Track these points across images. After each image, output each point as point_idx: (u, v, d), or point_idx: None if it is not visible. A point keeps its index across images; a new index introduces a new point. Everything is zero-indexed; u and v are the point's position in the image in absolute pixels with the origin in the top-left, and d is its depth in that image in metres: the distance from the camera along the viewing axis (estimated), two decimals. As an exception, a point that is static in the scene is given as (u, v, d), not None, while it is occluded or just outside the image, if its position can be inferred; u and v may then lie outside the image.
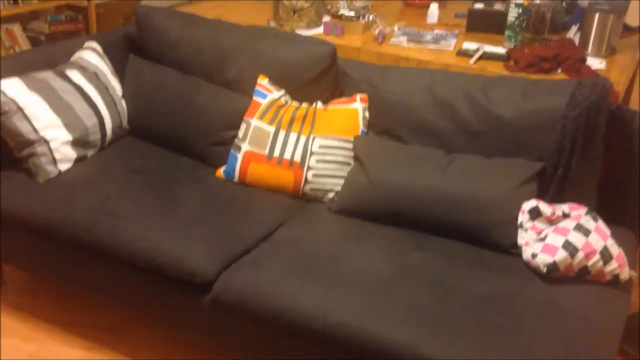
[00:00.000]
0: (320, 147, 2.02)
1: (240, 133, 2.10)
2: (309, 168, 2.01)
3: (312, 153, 2.02)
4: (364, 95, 2.10)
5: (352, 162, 2.03)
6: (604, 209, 1.83)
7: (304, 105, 2.13)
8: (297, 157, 2.02)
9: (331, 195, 2.03)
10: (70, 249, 1.90)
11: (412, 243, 1.80)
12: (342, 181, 2.02)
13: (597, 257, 1.62)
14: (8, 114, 1.97)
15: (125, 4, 4.42)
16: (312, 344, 1.61)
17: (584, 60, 2.35)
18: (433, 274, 1.67)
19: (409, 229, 1.86)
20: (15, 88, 2.01)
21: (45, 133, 2.02)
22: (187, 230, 1.81)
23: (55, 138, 2.03)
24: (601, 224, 1.68)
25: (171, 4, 4.17)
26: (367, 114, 2.10)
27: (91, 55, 2.29)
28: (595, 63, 2.40)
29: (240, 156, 2.07)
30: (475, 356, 1.42)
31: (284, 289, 1.62)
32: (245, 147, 2.07)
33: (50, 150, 2.02)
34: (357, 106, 2.09)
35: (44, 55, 2.28)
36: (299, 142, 2.03)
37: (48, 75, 2.12)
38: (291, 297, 1.60)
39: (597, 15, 2.45)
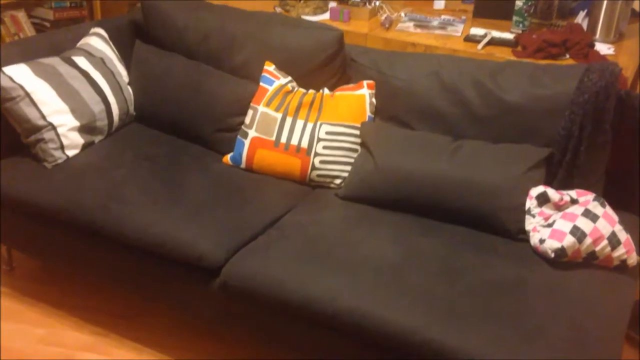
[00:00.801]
0: (327, 133, 2.02)
1: (247, 119, 2.10)
2: (315, 154, 2.01)
3: (319, 139, 2.02)
4: (371, 82, 2.09)
5: (359, 148, 2.03)
6: (612, 195, 1.83)
7: (311, 91, 2.12)
8: (304, 144, 2.02)
9: (338, 181, 2.04)
10: (79, 234, 1.91)
11: (419, 229, 1.81)
12: (349, 167, 2.02)
13: (604, 242, 1.62)
14: (15, 99, 1.98)
15: (130, -10, 4.40)
16: (320, 328, 1.62)
17: (592, 45, 2.33)
18: (441, 260, 1.67)
19: (416, 215, 1.86)
20: (22, 74, 2.01)
21: (52, 119, 2.02)
22: (194, 216, 1.81)
23: (62, 124, 2.04)
24: (609, 209, 1.68)
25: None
26: (374, 100, 2.09)
27: (97, 41, 2.29)
28: (603, 48, 2.38)
29: (247, 142, 2.07)
30: (483, 341, 1.43)
31: (291, 274, 1.63)
32: (252, 133, 2.07)
33: (57, 136, 2.02)
34: (364, 92, 2.08)
35: (50, 41, 2.28)
36: (305, 129, 2.03)
37: (55, 61, 2.12)
38: (299, 282, 1.60)
39: (605, 1, 2.43)
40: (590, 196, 1.71)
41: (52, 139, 2.02)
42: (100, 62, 2.22)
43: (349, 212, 1.90)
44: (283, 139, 2.04)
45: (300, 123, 2.04)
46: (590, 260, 1.65)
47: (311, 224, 1.82)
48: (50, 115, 2.02)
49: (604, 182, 1.88)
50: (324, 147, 2.02)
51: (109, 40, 2.33)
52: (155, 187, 1.93)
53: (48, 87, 2.03)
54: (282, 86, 2.12)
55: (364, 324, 1.52)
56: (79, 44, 2.28)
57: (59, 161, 2.03)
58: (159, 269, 1.82)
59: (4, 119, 2.04)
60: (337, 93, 2.10)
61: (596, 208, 1.66)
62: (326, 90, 2.12)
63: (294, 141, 2.03)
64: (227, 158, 2.13)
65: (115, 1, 4.31)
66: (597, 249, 1.62)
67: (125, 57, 2.35)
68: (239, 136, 2.11)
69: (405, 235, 1.77)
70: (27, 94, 1.99)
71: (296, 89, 2.14)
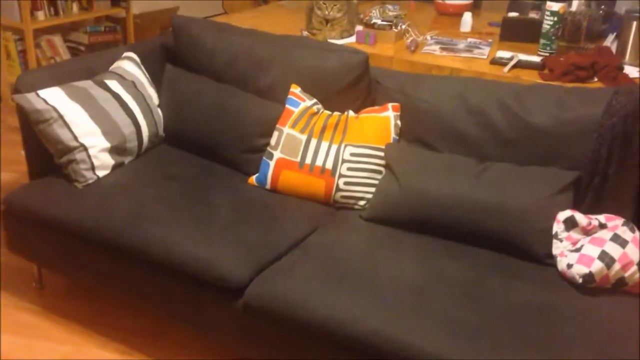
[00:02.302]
0: (352, 154, 2.03)
1: (273, 141, 2.12)
2: (340, 176, 2.02)
3: (343, 161, 2.03)
4: (396, 104, 2.10)
5: (383, 170, 2.04)
6: (642, 220, 1.79)
7: (336, 113, 2.14)
8: (329, 165, 2.03)
9: (362, 203, 2.04)
10: (107, 253, 1.95)
11: (443, 251, 1.79)
12: (373, 189, 2.02)
13: (634, 268, 1.59)
14: (49, 121, 2.04)
15: (162, 14, 4.51)
16: (342, 350, 1.61)
17: (621, 68, 2.30)
18: (465, 283, 1.66)
19: (440, 238, 1.85)
20: (56, 96, 2.07)
21: (84, 140, 2.07)
22: (220, 236, 1.83)
23: (94, 145, 2.09)
24: (638, 234, 1.65)
25: (206, 15, 4.24)
26: (398, 122, 2.10)
27: (129, 64, 2.35)
28: (633, 71, 2.35)
29: (272, 164, 2.09)
30: (508, 367, 1.40)
31: (314, 295, 1.63)
32: (277, 154, 2.09)
33: (89, 157, 2.07)
34: (389, 114, 2.09)
35: (84, 65, 2.35)
36: (330, 150, 2.04)
37: (87, 84, 2.18)
38: (322, 303, 1.60)
39: (634, 24, 2.41)
40: (619, 221, 1.68)
41: (83, 159, 2.07)
42: (131, 85, 2.28)
43: (373, 234, 1.90)
44: (308, 160, 2.05)
45: (325, 145, 2.06)
46: (620, 286, 1.61)
47: (335, 245, 1.82)
48: (82, 137, 2.07)
49: (634, 206, 1.84)
50: (349, 169, 2.02)
51: (140, 64, 2.39)
52: (182, 207, 1.96)
53: (81, 109, 2.09)
54: (308, 108, 2.14)
55: (386, 347, 1.51)
56: (111, 68, 2.34)
57: (90, 181, 2.08)
58: (183, 288, 1.84)
59: (36, 140, 2.10)
60: (362, 115, 2.12)
61: (625, 233, 1.63)
62: (351, 112, 2.14)
63: (319, 162, 2.04)
64: (253, 179, 2.15)
65: (148, 26, 4.43)
66: (627, 274, 1.59)
67: (156, 80, 2.40)
68: (264, 157, 2.13)
69: (430, 258, 1.76)
70: (61, 116, 2.05)
71: (321, 111, 2.16)
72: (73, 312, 2.24)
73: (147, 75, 2.38)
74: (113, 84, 2.23)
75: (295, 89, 2.18)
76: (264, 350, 1.77)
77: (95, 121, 2.10)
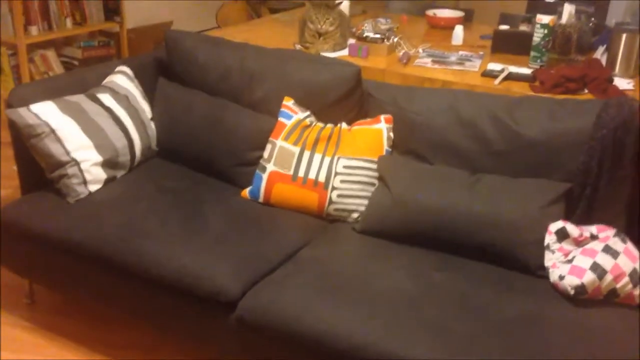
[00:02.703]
0: (345, 167, 2.04)
1: (266, 154, 2.13)
2: (333, 188, 2.02)
3: (336, 173, 2.03)
4: (389, 116, 2.11)
5: (376, 182, 2.04)
6: (634, 230, 1.80)
7: (329, 125, 2.15)
8: (322, 178, 2.03)
9: (355, 215, 2.04)
10: (99, 268, 1.94)
11: (437, 264, 1.79)
12: (366, 201, 2.02)
13: (626, 279, 1.59)
14: (41, 136, 2.03)
15: (156, 29, 4.54)
16: (336, 364, 1.60)
17: (611, 80, 2.32)
18: (458, 296, 1.65)
19: (433, 250, 1.85)
20: (48, 111, 2.07)
21: (76, 154, 2.07)
22: (212, 249, 1.83)
23: (86, 159, 2.08)
24: (630, 245, 1.65)
25: (200, 29, 4.26)
26: (391, 134, 2.11)
27: (122, 79, 2.35)
28: (622, 83, 2.37)
29: (265, 176, 2.10)
30: (501, 379, 1.40)
31: (308, 309, 1.62)
32: (270, 167, 2.09)
33: (81, 171, 2.07)
34: (382, 127, 2.10)
35: (77, 79, 2.35)
36: (323, 163, 2.05)
37: (80, 99, 2.19)
38: (315, 317, 1.60)
39: (624, 36, 2.43)
40: (610, 232, 1.69)
41: (75, 174, 2.06)
42: (124, 99, 2.28)
43: (366, 246, 1.90)
44: (301, 173, 2.05)
45: (318, 157, 2.06)
46: (611, 297, 1.61)
47: (328, 258, 1.82)
48: (74, 151, 2.07)
49: (625, 217, 1.85)
50: (342, 181, 2.03)
51: (133, 78, 2.39)
52: (174, 220, 1.95)
53: (73, 123, 2.09)
54: (300, 120, 2.14)
55: (379, 359, 1.50)
56: (104, 82, 2.34)
57: (82, 196, 2.08)
58: (176, 302, 1.83)
59: (28, 155, 2.10)
60: (355, 127, 2.12)
61: (617, 244, 1.63)
62: (344, 125, 2.15)
63: (312, 175, 2.04)
64: (246, 192, 2.15)
65: (142, 40, 4.45)
66: (619, 286, 1.59)
67: (150, 94, 2.41)
68: (257, 170, 2.13)
69: (423, 270, 1.76)
70: (52, 131, 2.05)
71: (314, 123, 2.17)
72: (65, 328, 2.23)
73: (141, 89, 2.39)
74: (106, 98, 2.23)
75: (288, 102, 2.19)
76: (257, 364, 1.76)
77: (88, 135, 2.10)
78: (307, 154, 2.07)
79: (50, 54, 3.99)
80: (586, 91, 2.30)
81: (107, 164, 2.14)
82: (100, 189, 2.12)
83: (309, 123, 2.15)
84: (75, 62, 4.14)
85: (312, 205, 2.05)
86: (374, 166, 2.05)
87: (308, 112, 2.18)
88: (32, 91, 2.17)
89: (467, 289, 1.68)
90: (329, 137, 2.10)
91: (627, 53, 2.44)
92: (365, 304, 1.62)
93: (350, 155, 2.05)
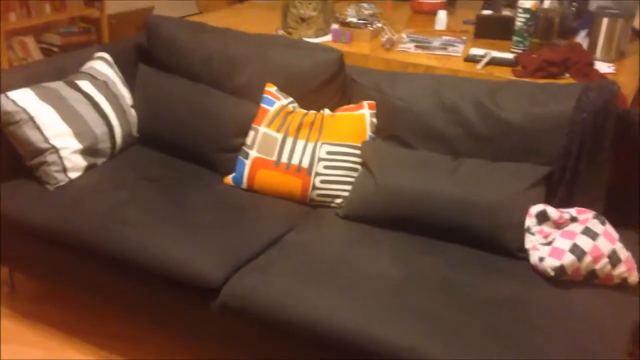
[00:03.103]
0: (328, 153, 2.03)
1: (249, 140, 2.11)
2: (316, 174, 2.02)
3: (319, 159, 2.03)
4: (372, 102, 2.11)
5: (359, 167, 2.04)
6: (612, 213, 1.82)
7: (312, 112, 2.14)
8: (305, 164, 2.03)
9: (339, 201, 2.04)
10: (81, 256, 1.92)
11: (419, 248, 1.80)
12: (349, 187, 2.02)
13: (605, 260, 1.61)
14: (19, 123, 2.00)
15: (137, 15, 4.48)
16: (320, 348, 1.60)
17: (592, 64, 2.34)
18: (440, 279, 1.66)
19: (416, 234, 1.86)
20: (26, 98, 2.04)
21: (55, 142, 2.04)
22: (195, 236, 1.82)
23: (65, 147, 2.06)
24: (609, 227, 1.67)
25: (181, 14, 4.22)
26: (374, 120, 2.10)
27: (101, 65, 2.32)
28: (604, 67, 2.39)
29: (248, 163, 2.09)
30: (483, 361, 1.41)
31: (291, 293, 1.62)
32: (253, 153, 2.08)
33: (60, 158, 2.05)
34: (365, 112, 2.09)
35: (55, 65, 2.32)
36: (306, 149, 2.04)
37: (58, 85, 2.16)
38: (299, 302, 1.60)
39: (605, 20, 2.45)
40: (590, 214, 1.71)
41: (54, 161, 2.04)
42: (103, 86, 2.25)
43: (350, 231, 1.90)
44: (284, 159, 2.05)
45: (301, 143, 2.05)
46: (591, 278, 1.63)
47: (311, 244, 1.82)
48: (53, 138, 2.04)
49: (605, 200, 1.87)
50: (325, 167, 2.02)
51: (113, 64, 2.36)
52: (156, 208, 1.94)
53: (51, 110, 2.06)
54: (283, 107, 2.13)
55: (363, 344, 1.51)
56: (83, 68, 2.31)
57: (62, 183, 2.05)
58: (160, 289, 1.83)
59: (7, 142, 2.07)
60: (338, 113, 2.12)
61: (596, 226, 1.65)
62: (327, 111, 2.14)
63: (295, 161, 2.04)
64: (229, 178, 2.14)
65: (123, 26, 4.39)
66: (598, 267, 1.61)
67: (130, 80, 2.38)
68: (240, 157, 2.12)
69: (406, 254, 1.77)
70: (31, 118, 2.02)
71: (297, 109, 2.16)
72: (47, 316, 2.22)
73: (120, 76, 2.36)
74: (85, 85, 2.20)
75: (271, 88, 2.17)
76: (242, 349, 1.76)
77: (67, 122, 2.08)
78: (290, 140, 2.06)
79: (29, 41, 3.93)
80: (568, 75, 2.31)
81: (87, 151, 2.12)
82: (81, 176, 2.10)
83: (291, 109, 2.14)
84: (55, 49, 4.08)
85: (295, 191, 2.05)
86: (357, 152, 2.05)
87: (291, 99, 2.17)
88: (10, 78, 2.13)
89: (449, 272, 1.69)
90: (312, 123, 2.09)
91: (608, 37, 2.46)
92: (349, 289, 1.62)
93: (333, 141, 2.05)
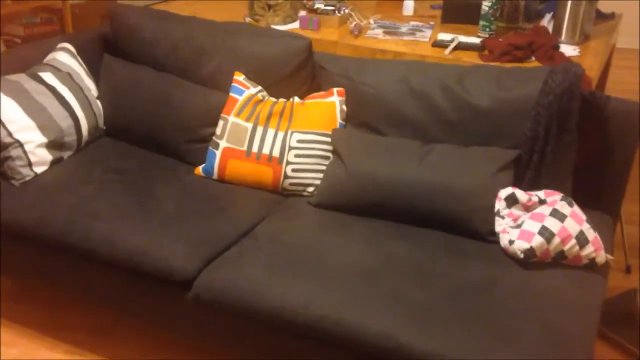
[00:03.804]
0: (299, 141, 2.02)
1: (218, 130, 2.09)
2: (287, 163, 2.01)
3: (290, 148, 2.02)
4: (341, 89, 2.10)
5: (330, 155, 2.04)
6: (580, 194, 1.85)
7: (281, 100, 2.13)
8: (276, 153, 2.02)
9: (311, 189, 2.04)
10: (49, 251, 1.89)
11: (392, 234, 1.81)
12: (321, 175, 2.02)
13: (573, 241, 1.64)
14: (-19, 117, 1.95)
15: (101, 4, 4.38)
16: (295, 337, 1.61)
17: (557, 47, 2.36)
18: (413, 264, 1.68)
19: (388, 220, 1.87)
20: (-13, 91, 1.99)
21: (19, 136, 2.00)
22: (165, 228, 1.80)
23: (29, 141, 2.01)
24: (577, 208, 1.70)
25: (146, 3, 4.14)
26: (344, 107, 2.10)
27: (64, 56, 2.27)
28: (569, 50, 2.42)
29: (218, 153, 2.07)
30: (456, 343, 1.43)
31: (265, 284, 1.62)
32: (223, 144, 2.06)
33: (25, 153, 2.00)
34: (335, 100, 2.09)
35: (17, 57, 2.26)
36: (277, 138, 2.03)
37: (20, 78, 2.10)
38: (272, 292, 1.60)
39: (569, 3, 2.47)
40: (557, 196, 1.73)
41: (19, 156, 1.99)
42: (67, 77, 2.20)
43: (322, 220, 1.90)
44: (254, 149, 2.03)
45: (271, 132, 2.04)
46: (560, 259, 1.66)
47: (284, 233, 1.82)
48: (16, 133, 1.99)
49: (572, 181, 1.90)
50: (296, 156, 2.02)
51: (76, 55, 2.31)
52: (126, 201, 1.91)
53: (14, 104, 2.01)
54: (252, 96, 2.11)
55: (338, 331, 1.52)
56: (45, 60, 2.26)
57: (27, 178, 2.01)
58: (131, 283, 1.81)
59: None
60: (308, 101, 2.11)
61: (564, 208, 1.68)
62: (296, 99, 2.13)
63: (266, 150, 2.02)
64: (199, 169, 2.12)
65: (87, 15, 4.29)
66: (566, 248, 1.64)
67: (95, 72, 2.33)
68: (210, 147, 2.10)
69: (378, 241, 1.78)
70: (-7, 112, 1.97)
71: (266, 98, 2.14)
72: (20, 314, 2.18)
73: (85, 67, 2.31)
74: (48, 77, 2.15)
75: (239, 77, 2.15)
76: (216, 342, 1.76)
77: (30, 116, 2.03)
78: (260, 129, 2.05)
79: (-10, 32, 3.81)
80: (533, 58, 2.33)
81: (53, 145, 2.07)
82: (47, 170, 2.06)
83: (261, 98, 2.12)
84: (18, 40, 3.98)
85: (267, 180, 2.04)
86: (328, 139, 2.04)
87: (260, 87, 2.15)
88: (-31, 71, 2.08)
89: (421, 258, 1.70)
90: (282, 112, 2.08)
91: (572, 20, 2.48)
92: (322, 277, 1.63)
93: (303, 129, 2.04)
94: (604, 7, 2.91)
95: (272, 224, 1.88)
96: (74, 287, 1.94)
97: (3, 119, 1.98)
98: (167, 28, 2.30)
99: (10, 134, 1.98)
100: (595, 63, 2.32)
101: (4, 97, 2.00)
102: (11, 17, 3.97)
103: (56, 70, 2.20)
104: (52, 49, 2.30)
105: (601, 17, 2.86)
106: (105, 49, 2.42)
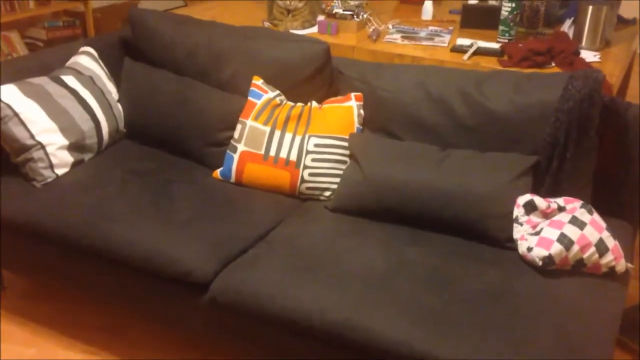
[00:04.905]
0: (316, 145, 2.03)
1: (236, 134, 2.11)
2: (304, 167, 2.02)
3: (307, 152, 2.02)
4: (359, 94, 2.10)
5: (347, 160, 2.04)
6: (600, 201, 1.83)
7: (299, 104, 2.13)
8: (293, 157, 2.02)
9: (327, 193, 2.04)
10: (69, 252, 1.91)
11: (408, 239, 1.81)
12: (338, 179, 2.02)
13: (592, 249, 1.62)
14: (4, 119, 1.98)
15: (123, 7, 4.44)
16: (310, 341, 1.61)
17: (577, 53, 2.34)
18: (429, 270, 1.67)
19: (405, 225, 1.87)
20: (10, 94, 2.02)
21: (41, 138, 2.03)
22: (183, 231, 1.82)
23: (51, 143, 2.04)
24: (596, 216, 1.68)
25: (167, 7, 4.18)
26: (362, 111, 2.10)
27: (86, 59, 2.30)
28: (589, 56, 2.39)
29: (236, 157, 2.08)
30: (471, 350, 1.42)
31: (281, 287, 1.62)
32: (241, 147, 2.08)
33: (46, 155, 2.03)
34: (352, 104, 2.09)
35: (40, 61, 2.29)
36: (294, 142, 2.04)
37: (43, 81, 2.13)
38: (288, 295, 1.60)
39: (590, 8, 2.45)
40: (577, 203, 1.72)
41: (41, 158, 2.02)
42: (89, 80, 2.23)
43: (338, 224, 1.90)
44: (272, 152, 2.04)
45: (288, 136, 2.05)
46: (579, 267, 1.65)
47: (300, 237, 1.82)
48: (39, 135, 2.02)
49: (592, 188, 1.88)
50: (313, 160, 2.02)
51: (98, 58, 2.34)
52: (144, 203, 1.93)
53: (37, 106, 2.04)
54: (270, 100, 2.12)
55: (353, 336, 1.51)
56: (68, 63, 2.29)
57: (48, 180, 2.04)
58: (148, 285, 1.82)
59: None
60: (325, 105, 2.11)
61: (583, 215, 1.66)
62: (314, 103, 2.13)
63: (283, 154, 2.03)
64: (217, 173, 2.13)
65: (109, 19, 4.35)
66: (585, 256, 1.62)
67: (116, 75, 2.36)
68: (228, 150, 2.11)
69: (394, 246, 1.77)
70: (16, 114, 2.00)
71: (284, 102, 2.15)
72: (37, 314, 2.21)
73: (106, 70, 2.34)
74: (70, 80, 2.18)
75: (258, 81, 2.16)
76: (231, 344, 1.77)
77: (52, 118, 2.06)
78: (277, 133, 2.06)
79: (14, 36, 3.88)
80: (553, 64, 2.31)
81: (74, 147, 2.10)
82: (67, 172, 2.08)
83: (279, 102, 2.13)
84: (40, 43, 4.04)
85: (284, 184, 2.04)
86: (345, 144, 2.04)
87: (278, 91, 2.16)
88: (-7, 74, 2.11)
89: (438, 263, 1.69)
90: (300, 116, 2.08)
91: (593, 26, 2.46)
92: (338, 282, 1.63)
93: (321, 133, 2.04)
94: (625, 12, 2.88)
95: (288, 228, 1.88)
96: (92, 287, 1.96)
97: (25, 121, 2.01)
98: (186, 32, 2.32)
99: (32, 136, 2.01)
100: (616, 69, 2.29)
101: (26, 99, 2.04)
102: (34, 21, 4.03)
103: (78, 73, 2.23)
104: (74, 52, 2.33)
105: (623, 22, 2.83)
106: (126, 53, 2.45)
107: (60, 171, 2.07)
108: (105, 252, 1.82)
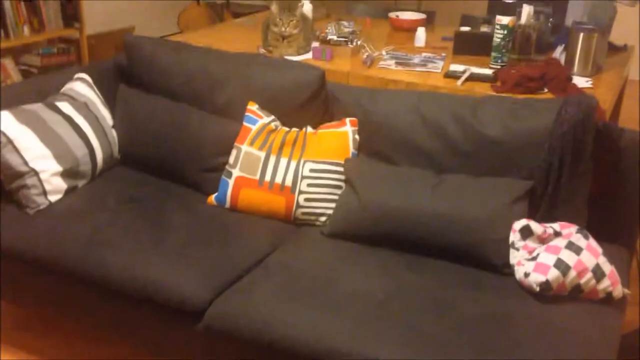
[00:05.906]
0: (311, 170, 2.03)
1: (231, 159, 2.10)
2: (300, 192, 2.01)
3: (303, 177, 2.02)
4: (354, 119, 2.11)
5: (343, 185, 2.04)
6: (595, 227, 1.84)
7: (294, 129, 2.14)
8: (288, 182, 2.02)
9: (323, 218, 2.03)
10: (63, 281, 1.89)
11: (404, 265, 1.80)
12: (333, 204, 2.02)
13: (589, 275, 1.61)
14: (-2, 146, 1.98)
15: (117, 35, 4.47)
16: (306, 370, 1.59)
17: (570, 79, 2.37)
18: (426, 296, 1.66)
19: (401, 251, 1.86)
20: (4, 120, 2.01)
21: (35, 165, 2.02)
22: (178, 258, 1.80)
23: (45, 169, 2.03)
24: (592, 241, 1.68)
25: (162, 33, 4.21)
26: (357, 136, 2.11)
27: (81, 86, 2.30)
28: (581, 82, 2.42)
29: (231, 182, 2.07)
30: (470, 378, 1.41)
31: (276, 315, 1.61)
32: (236, 173, 2.07)
33: (40, 181, 2.02)
34: (347, 129, 2.10)
35: (34, 87, 2.29)
36: (289, 167, 2.04)
37: (38, 107, 2.13)
38: (283, 323, 1.58)
39: (581, 35, 2.48)
40: (573, 228, 1.72)
41: (34, 184, 2.01)
42: (83, 107, 2.23)
43: (334, 250, 1.89)
44: (267, 178, 2.04)
45: (284, 161, 2.05)
46: (576, 293, 1.64)
47: (296, 263, 1.81)
48: (32, 161, 2.01)
49: (588, 213, 1.88)
50: (308, 185, 2.02)
51: (92, 85, 2.34)
52: (139, 229, 1.92)
53: (31, 133, 2.04)
54: (266, 125, 2.13)
55: (350, 364, 1.49)
56: (62, 89, 2.29)
57: (42, 207, 2.02)
58: (142, 312, 1.80)
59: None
60: (320, 131, 2.12)
61: (579, 240, 1.66)
62: (309, 128, 2.14)
63: (278, 179, 2.03)
64: (212, 198, 2.12)
65: (103, 46, 4.37)
66: (582, 281, 1.62)
67: (110, 101, 2.36)
68: (223, 176, 2.11)
69: (391, 272, 1.76)
70: (10, 141, 1.99)
71: (279, 127, 2.16)
72: (32, 344, 2.17)
73: (100, 96, 2.34)
74: (64, 106, 2.18)
75: (253, 106, 2.17)
76: (226, 372, 1.74)
77: (46, 144, 2.05)
78: (272, 158, 2.06)
79: (8, 62, 3.89)
80: (546, 90, 2.34)
81: (68, 174, 2.09)
82: (61, 199, 2.07)
83: (274, 127, 2.14)
84: (34, 70, 4.05)
85: (279, 209, 2.04)
86: (341, 169, 2.05)
87: (273, 117, 2.17)
88: (-13, 100, 2.11)
89: (435, 289, 1.68)
90: (295, 141, 2.09)
91: (584, 52, 2.50)
92: (335, 308, 1.61)
93: (316, 158, 2.05)
94: (616, 39, 2.92)
95: (284, 254, 1.87)
96: (87, 316, 1.93)
97: (19, 148, 2.00)
98: (182, 59, 2.33)
99: (26, 163, 2.00)
100: (609, 95, 2.32)
101: (20, 126, 2.03)
102: (29, 48, 4.04)
103: (73, 100, 2.23)
104: (69, 79, 2.34)
105: (614, 49, 2.87)
106: (121, 79, 2.45)
107: (53, 198, 2.05)
108: (99, 280, 1.80)
